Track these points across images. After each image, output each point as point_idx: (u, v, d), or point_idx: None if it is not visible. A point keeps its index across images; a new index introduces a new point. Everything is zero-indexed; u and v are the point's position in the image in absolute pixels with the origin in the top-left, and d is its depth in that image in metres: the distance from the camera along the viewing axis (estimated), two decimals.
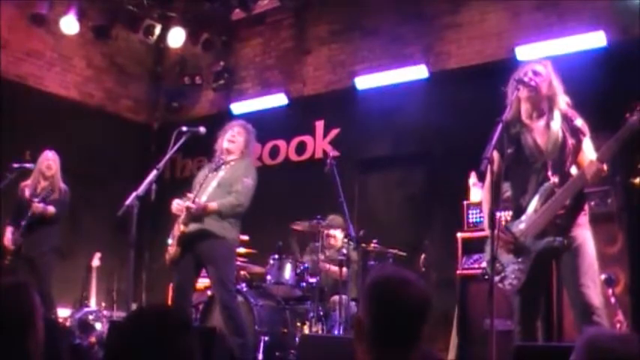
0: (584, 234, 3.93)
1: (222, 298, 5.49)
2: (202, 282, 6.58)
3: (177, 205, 5.58)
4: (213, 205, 5.46)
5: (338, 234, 7.02)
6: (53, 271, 6.90)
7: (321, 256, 6.80)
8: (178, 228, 5.51)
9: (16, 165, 6.81)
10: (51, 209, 6.81)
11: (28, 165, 6.87)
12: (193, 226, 5.47)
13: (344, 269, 6.26)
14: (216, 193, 5.51)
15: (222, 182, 5.54)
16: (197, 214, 5.44)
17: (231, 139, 5.76)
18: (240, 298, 5.98)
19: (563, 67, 4.19)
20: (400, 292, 2.20)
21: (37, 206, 6.71)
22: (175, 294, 5.67)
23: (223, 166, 5.67)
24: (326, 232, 6.92)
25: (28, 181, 7.00)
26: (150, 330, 1.94)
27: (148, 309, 2.39)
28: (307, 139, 8.98)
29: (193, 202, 5.42)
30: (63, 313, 6.87)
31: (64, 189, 6.98)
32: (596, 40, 6.93)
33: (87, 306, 7.39)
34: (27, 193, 6.93)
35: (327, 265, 6.85)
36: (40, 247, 6.79)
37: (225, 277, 5.54)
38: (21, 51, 8.96)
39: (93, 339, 6.73)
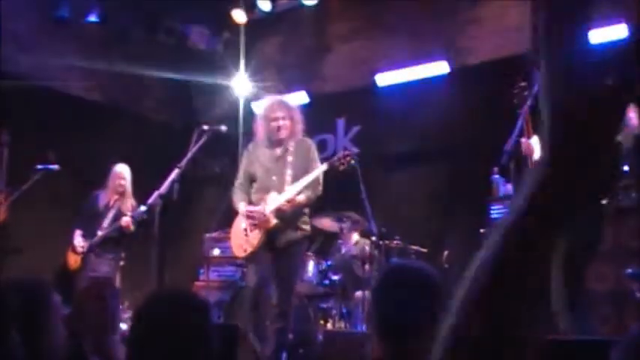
0: None
1: (284, 296, 5.38)
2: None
3: (252, 211, 5.39)
4: (302, 199, 5.38)
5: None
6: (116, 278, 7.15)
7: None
8: (257, 240, 5.36)
9: (40, 167, 6.88)
10: (132, 228, 6.90)
11: (51, 167, 6.93)
12: (284, 239, 5.37)
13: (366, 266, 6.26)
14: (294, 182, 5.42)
15: (294, 168, 5.44)
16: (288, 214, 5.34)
17: (281, 126, 5.46)
18: None
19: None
20: (390, 283, 2.18)
21: (129, 225, 6.80)
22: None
23: (287, 151, 5.52)
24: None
25: (101, 191, 7.14)
26: (163, 311, 1.96)
27: (162, 292, 2.42)
28: (328, 137, 8.95)
29: (289, 201, 5.29)
30: None
31: (135, 204, 7.03)
32: (618, 32, 6.84)
33: None
34: (101, 204, 7.07)
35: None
36: (113, 257, 7.05)
37: (297, 277, 5.56)
38: (46, 54, 9.02)
39: (117, 337, 6.78)
